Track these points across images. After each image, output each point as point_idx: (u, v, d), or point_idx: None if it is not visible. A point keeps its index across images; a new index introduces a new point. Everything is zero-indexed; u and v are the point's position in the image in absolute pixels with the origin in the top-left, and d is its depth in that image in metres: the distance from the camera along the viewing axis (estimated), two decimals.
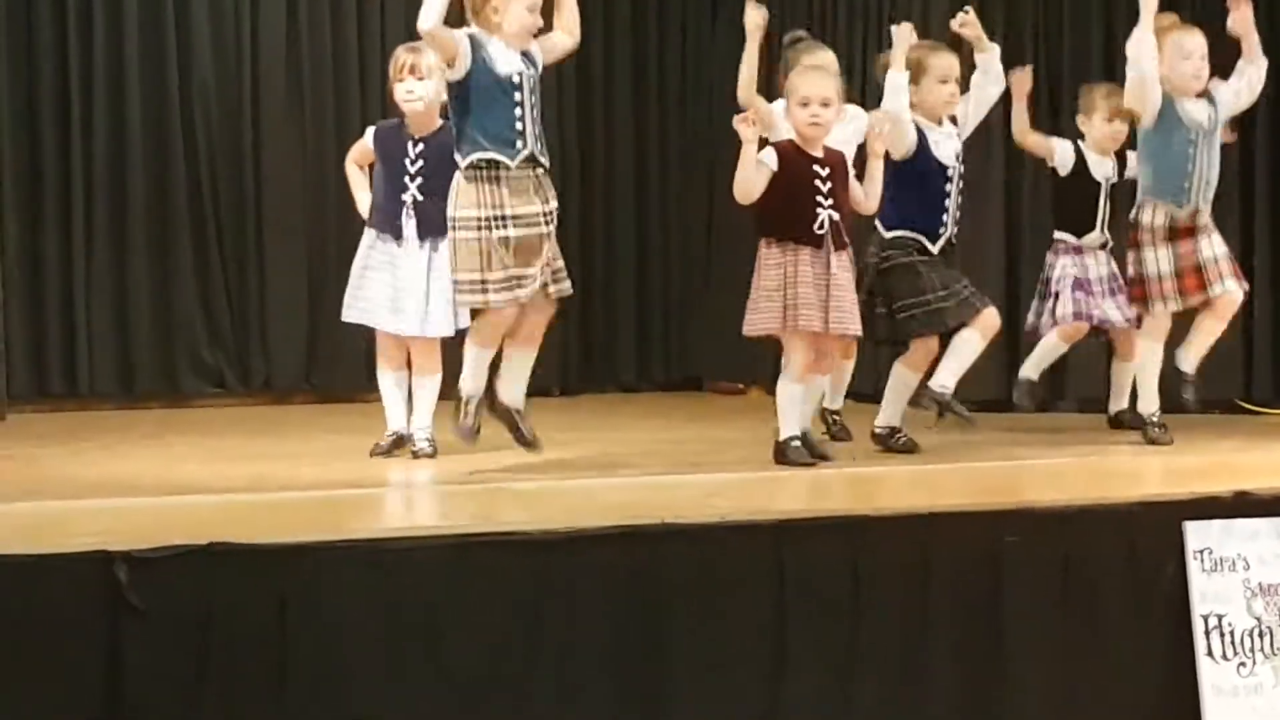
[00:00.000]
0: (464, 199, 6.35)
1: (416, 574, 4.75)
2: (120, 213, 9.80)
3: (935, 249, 7.20)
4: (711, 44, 10.72)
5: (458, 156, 6.38)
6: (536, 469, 6.66)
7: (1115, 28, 8.94)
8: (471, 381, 6.53)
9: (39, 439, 8.04)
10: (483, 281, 6.33)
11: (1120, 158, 7.81)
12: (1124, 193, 7.79)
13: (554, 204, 6.47)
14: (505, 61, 6.35)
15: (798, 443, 6.62)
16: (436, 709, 4.75)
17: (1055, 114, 8.82)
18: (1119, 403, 7.80)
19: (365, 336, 10.16)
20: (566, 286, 6.53)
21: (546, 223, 6.41)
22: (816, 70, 6.86)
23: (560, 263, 6.51)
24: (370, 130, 7.47)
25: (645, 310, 10.85)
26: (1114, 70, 8.71)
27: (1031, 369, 7.92)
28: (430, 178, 7.10)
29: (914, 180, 7.19)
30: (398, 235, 7.25)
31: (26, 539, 4.75)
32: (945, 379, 7.27)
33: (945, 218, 7.23)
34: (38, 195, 9.69)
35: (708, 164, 10.14)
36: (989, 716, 5.33)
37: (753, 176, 6.59)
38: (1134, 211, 7.46)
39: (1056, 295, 7.83)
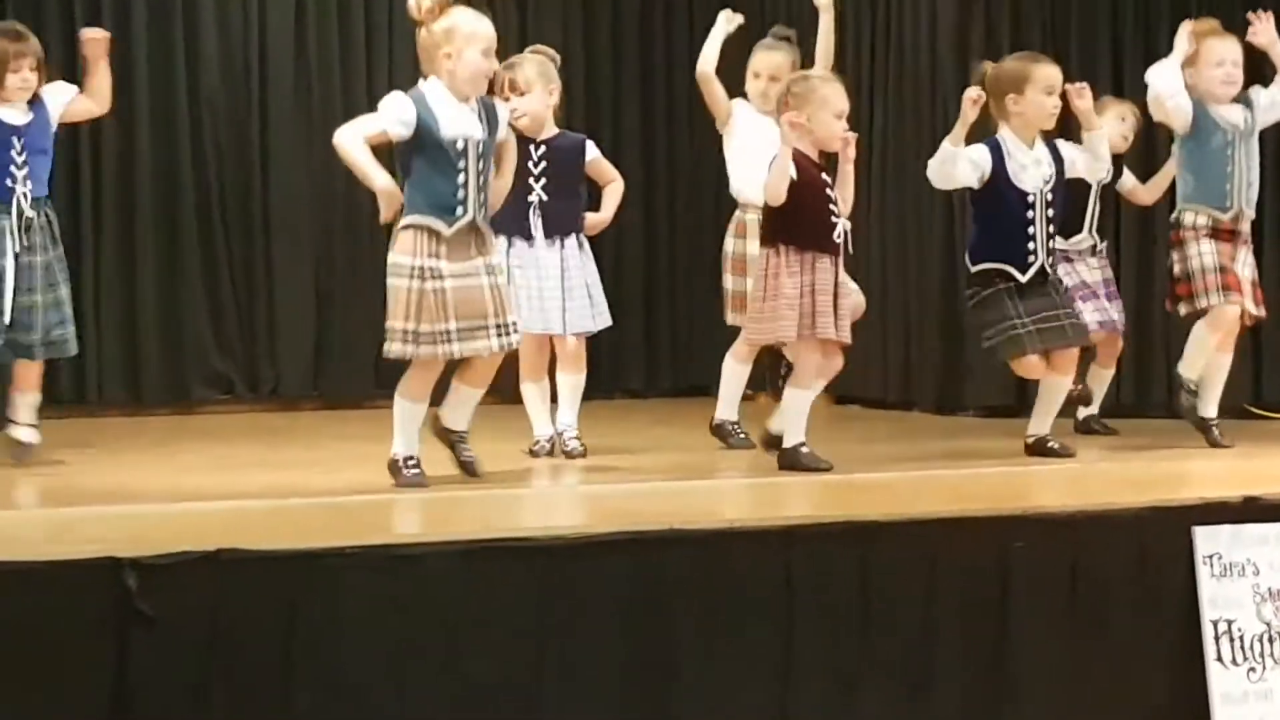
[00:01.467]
0: (400, 246, 6.24)
1: (426, 580, 4.75)
2: (128, 220, 9.81)
3: (1024, 278, 7.02)
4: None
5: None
6: (545, 476, 6.66)
7: (1121, 29, 8.96)
8: (402, 441, 6.32)
9: (48, 446, 8.02)
10: (413, 332, 6.19)
11: (1117, 163, 7.81)
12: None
13: (495, 257, 6.36)
14: (451, 126, 6.20)
15: (807, 448, 6.62)
16: (445, 715, 4.75)
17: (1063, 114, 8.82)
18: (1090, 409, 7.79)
19: (377, 342, 10.19)
20: (515, 340, 6.35)
21: (489, 273, 6.28)
22: (839, 84, 6.79)
23: (512, 317, 6.35)
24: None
25: (653, 317, 10.85)
26: (1121, 71, 8.73)
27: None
28: (553, 178, 7.25)
29: (993, 210, 7.05)
30: (527, 236, 7.25)
31: (36, 546, 4.76)
32: (1039, 427, 7.21)
33: (1033, 245, 7.02)
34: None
35: (716, 170, 10.11)
36: None
37: (786, 178, 6.56)
38: (1174, 214, 7.42)
39: None
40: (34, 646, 4.43)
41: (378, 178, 6.16)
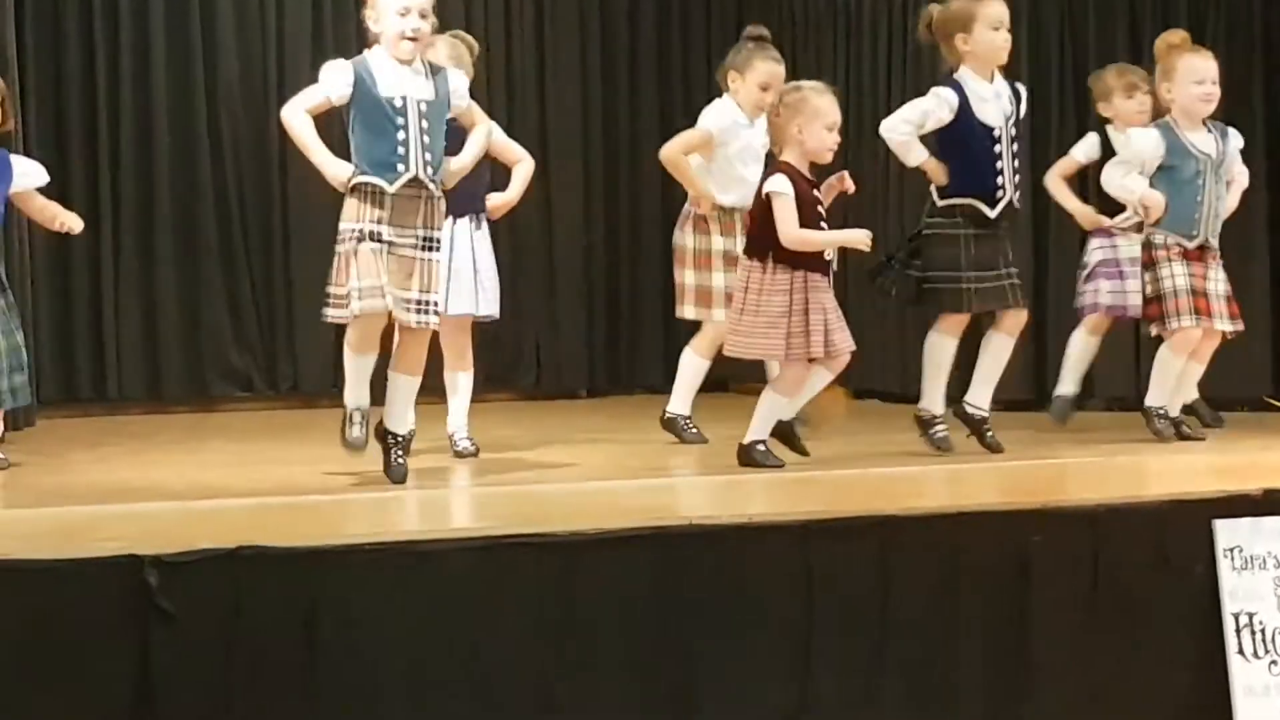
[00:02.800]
0: (346, 212, 6.31)
1: (444, 576, 4.76)
2: (148, 218, 9.83)
3: (994, 212, 7.04)
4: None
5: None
6: (563, 471, 6.66)
7: (1140, 13, 8.94)
8: (353, 392, 6.45)
9: (68, 443, 8.06)
10: (352, 290, 6.24)
11: None
12: None
13: (439, 232, 6.35)
14: (390, 84, 6.25)
15: (763, 446, 6.64)
16: (464, 710, 4.76)
17: (1080, 103, 8.81)
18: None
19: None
20: (430, 320, 6.36)
21: (426, 247, 6.29)
22: (832, 95, 6.76)
23: (432, 296, 6.34)
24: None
25: (670, 313, 10.81)
26: (1140, 57, 8.71)
27: (1070, 384, 7.89)
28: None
29: (959, 145, 7.06)
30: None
31: (56, 543, 4.76)
32: (980, 399, 7.20)
33: (1000, 179, 7.05)
34: (65, 201, 9.68)
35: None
36: (1018, 716, 5.32)
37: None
38: (1144, 235, 7.38)
39: (1089, 279, 7.86)
40: (56, 644, 4.45)
41: (319, 154, 6.31)
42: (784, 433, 6.71)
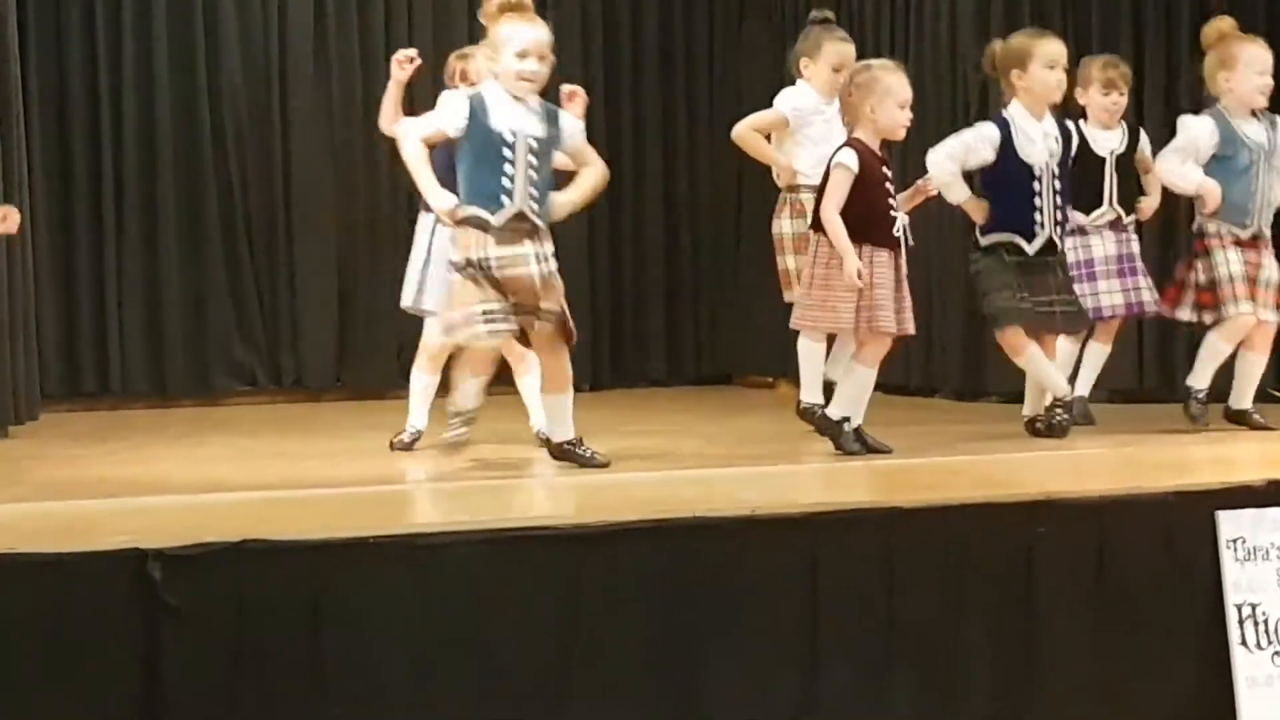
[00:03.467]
0: (458, 243, 6.40)
1: (449, 569, 4.76)
2: (151, 212, 9.85)
3: (1031, 249, 7.09)
4: (739, 40, 10.73)
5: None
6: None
7: (1143, 8, 8.93)
8: (465, 398, 6.72)
9: (72, 438, 8.07)
10: (470, 315, 6.34)
11: (1133, 131, 7.78)
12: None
13: (549, 247, 6.42)
14: (502, 119, 6.36)
15: (849, 428, 6.69)
16: (470, 703, 4.76)
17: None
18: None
19: (399, 332, 10.23)
20: (548, 326, 6.46)
21: (538, 261, 6.38)
22: (903, 73, 6.79)
23: (552, 305, 6.43)
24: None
25: (675, 305, 10.86)
26: (1142, 49, 8.71)
27: (1084, 386, 7.88)
28: None
29: (1000, 184, 7.13)
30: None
31: (60, 538, 4.77)
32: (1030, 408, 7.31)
33: (1038, 217, 7.10)
34: (69, 196, 9.74)
35: (736, 160, 10.13)
36: (1024, 707, 5.33)
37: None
38: (1196, 224, 7.39)
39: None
40: (61, 638, 4.45)
41: (425, 181, 6.39)
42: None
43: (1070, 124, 7.32)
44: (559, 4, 10.53)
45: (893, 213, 6.69)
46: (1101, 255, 7.72)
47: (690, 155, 10.83)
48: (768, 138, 7.73)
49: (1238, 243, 7.28)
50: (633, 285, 10.76)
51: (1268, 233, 7.36)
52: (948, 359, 9.39)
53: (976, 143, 7.10)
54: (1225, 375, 7.48)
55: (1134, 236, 7.84)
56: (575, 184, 6.59)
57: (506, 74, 6.37)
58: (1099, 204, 7.70)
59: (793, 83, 7.73)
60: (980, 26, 9.03)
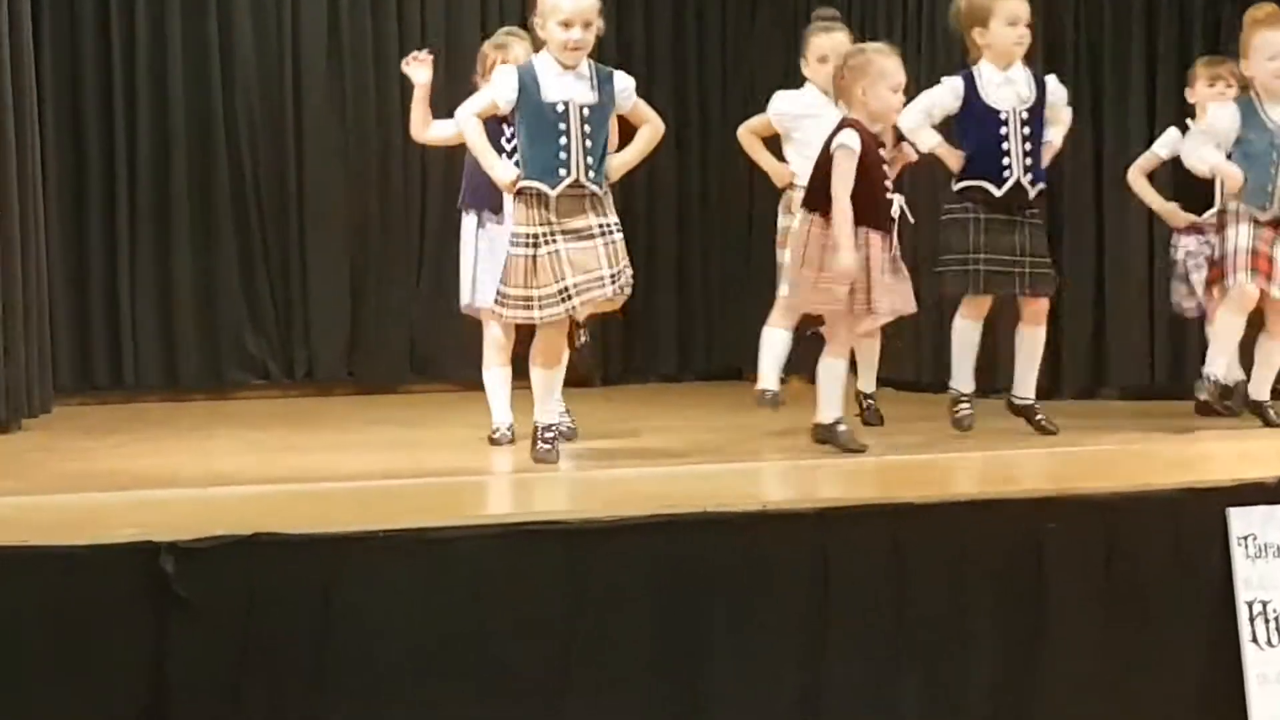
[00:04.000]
0: (516, 215, 6.47)
1: (459, 563, 4.76)
2: (164, 206, 9.86)
3: (1000, 192, 7.12)
4: (751, 36, 10.72)
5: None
6: (578, 458, 6.67)
7: (1156, 4, 8.92)
8: (546, 412, 6.59)
9: (84, 431, 8.09)
10: (528, 299, 6.40)
11: None
12: None
13: (611, 217, 6.50)
14: (553, 90, 6.43)
15: (844, 426, 6.66)
16: (479, 698, 4.77)
17: (1096, 94, 8.81)
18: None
19: (410, 326, 10.25)
20: (623, 289, 6.53)
21: (603, 232, 6.46)
22: (897, 57, 6.80)
23: (617, 269, 6.50)
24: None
25: (685, 300, 10.86)
26: (1154, 46, 8.69)
27: (1220, 366, 7.81)
28: None
29: (968, 129, 7.20)
30: (498, 212, 7.28)
31: (73, 530, 4.78)
32: (1024, 389, 7.31)
33: (1007, 160, 7.14)
34: (82, 190, 9.75)
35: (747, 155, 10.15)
36: (1032, 704, 5.32)
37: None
38: (1218, 205, 7.41)
39: (1185, 278, 7.84)
40: (72, 630, 4.46)
41: (487, 156, 6.50)
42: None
43: (1049, 77, 7.33)
44: None
45: (889, 195, 6.69)
46: (1208, 254, 7.71)
47: (702, 149, 10.82)
48: (771, 140, 7.74)
49: (1254, 221, 7.26)
50: (643, 280, 10.73)
51: None
52: None
53: (941, 95, 7.20)
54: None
55: None
56: (632, 144, 6.66)
57: (553, 43, 6.44)
58: (1213, 203, 7.70)
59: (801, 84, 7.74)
60: None
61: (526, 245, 6.41)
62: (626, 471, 6.39)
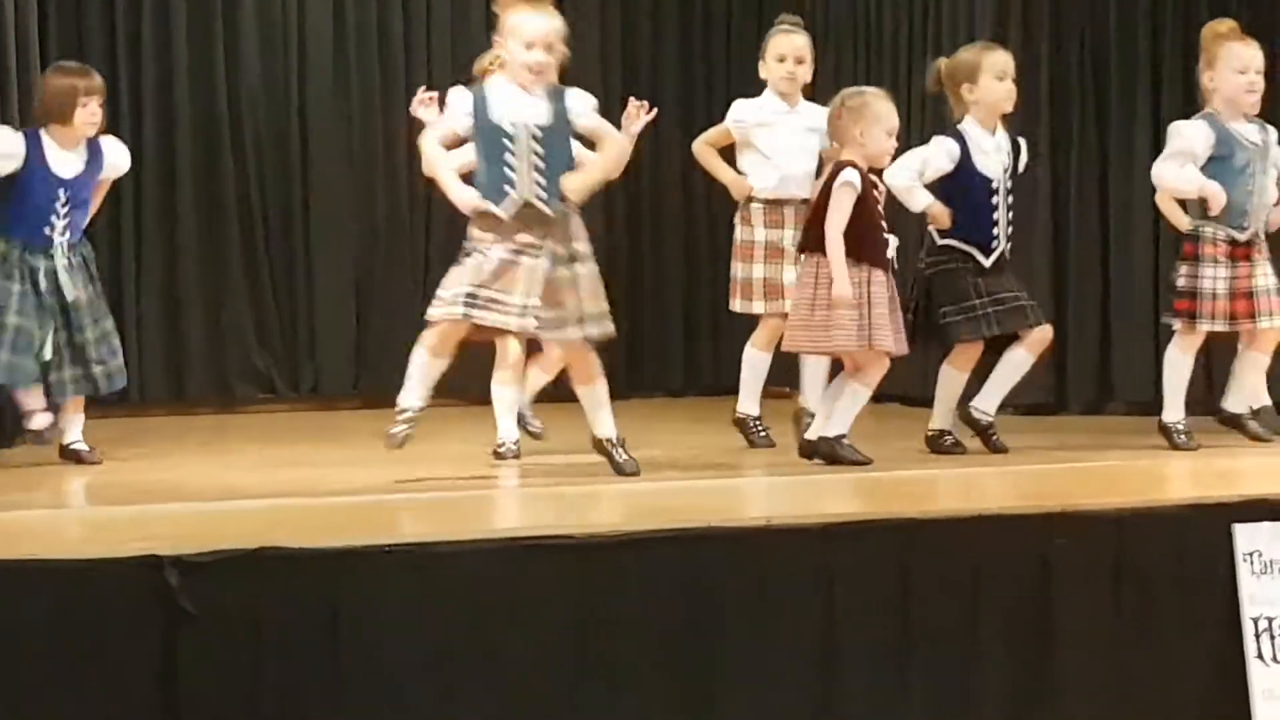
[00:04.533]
0: (470, 233, 6.44)
1: (466, 578, 4.77)
2: (170, 220, 9.87)
3: (988, 263, 7.14)
4: (758, 62, 10.72)
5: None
6: (585, 473, 6.67)
7: (1160, 33, 8.93)
8: (413, 392, 6.58)
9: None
10: (456, 295, 6.36)
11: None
12: None
13: (578, 245, 6.43)
14: (502, 111, 6.39)
15: (848, 440, 6.74)
16: (486, 713, 4.76)
17: (1101, 112, 8.82)
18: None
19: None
20: (593, 331, 6.47)
21: (562, 261, 6.38)
22: (891, 102, 6.86)
23: (589, 308, 6.44)
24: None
25: (692, 315, 10.86)
26: (1160, 75, 8.69)
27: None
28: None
29: (958, 194, 7.14)
30: None
31: (79, 543, 4.79)
32: (988, 403, 7.26)
33: (995, 231, 7.16)
34: None
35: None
36: (1040, 719, 5.32)
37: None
38: (1191, 227, 7.29)
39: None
40: (79, 643, 4.46)
41: (448, 182, 6.48)
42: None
43: (1021, 140, 7.36)
44: (577, 21, 10.53)
45: (885, 234, 6.76)
46: None
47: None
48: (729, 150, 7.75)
49: (1231, 253, 7.21)
50: (651, 295, 10.76)
51: (1263, 236, 7.31)
52: None
53: (935, 155, 7.15)
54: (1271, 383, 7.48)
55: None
56: (589, 163, 6.59)
57: (513, 64, 6.40)
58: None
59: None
60: (999, 39, 9.02)
61: (474, 254, 6.36)
62: (633, 486, 6.39)
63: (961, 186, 7.14)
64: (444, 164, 6.51)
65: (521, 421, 7.41)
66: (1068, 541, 5.34)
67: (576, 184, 6.48)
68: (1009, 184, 7.22)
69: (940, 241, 7.18)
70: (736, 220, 7.72)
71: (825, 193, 6.72)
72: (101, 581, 4.50)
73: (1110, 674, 5.38)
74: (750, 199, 7.60)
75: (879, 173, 6.89)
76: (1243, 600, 5.49)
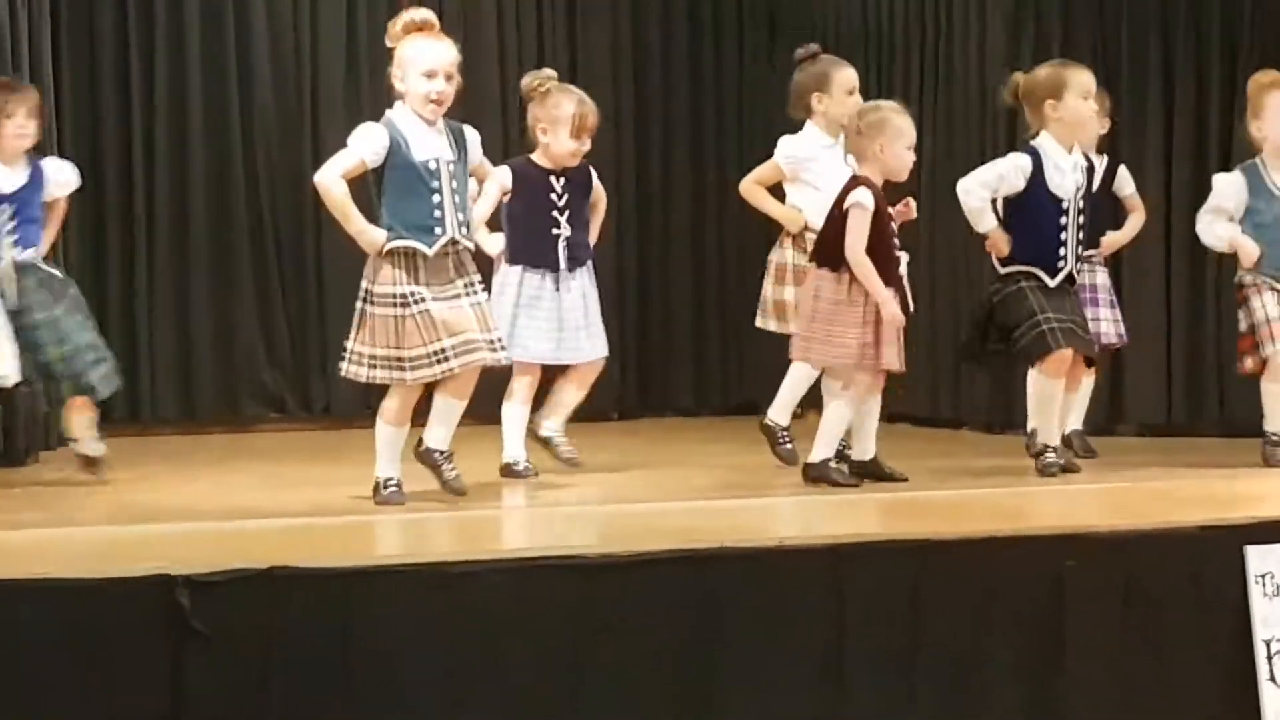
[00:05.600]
0: (381, 275, 6.33)
1: (477, 597, 4.77)
2: (181, 239, 9.88)
3: (1053, 283, 7.02)
4: (770, 76, 10.73)
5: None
6: (596, 493, 6.67)
7: (1172, 51, 8.93)
8: (388, 466, 6.40)
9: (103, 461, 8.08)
10: (394, 359, 6.27)
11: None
12: None
13: (474, 276, 6.39)
14: (422, 147, 6.32)
15: (835, 463, 6.75)
16: None
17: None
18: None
19: None
20: (503, 357, 6.46)
21: (469, 293, 6.34)
22: (909, 116, 6.85)
23: (498, 334, 6.41)
24: (506, 169, 7.33)
25: (702, 335, 10.85)
26: (1172, 92, 8.69)
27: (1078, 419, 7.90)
28: (575, 211, 7.30)
29: (1027, 213, 7.04)
30: (555, 268, 7.28)
31: (90, 563, 4.78)
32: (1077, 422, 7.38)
33: (1063, 251, 7.04)
34: (100, 222, 9.77)
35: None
36: None
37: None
38: (1237, 276, 7.36)
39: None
40: (89, 663, 4.47)
41: (356, 221, 6.35)
42: (871, 470, 6.81)
43: (1094, 157, 7.31)
44: (586, 36, 10.56)
45: (896, 252, 6.76)
46: (1090, 284, 7.75)
47: (719, 187, 10.81)
48: (776, 188, 7.73)
49: (1273, 288, 7.26)
50: (660, 315, 10.76)
51: None
52: (975, 391, 9.37)
53: (1010, 172, 7.05)
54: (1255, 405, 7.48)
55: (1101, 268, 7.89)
56: (482, 198, 6.73)
57: (414, 96, 6.31)
58: (1097, 243, 7.79)
59: (799, 125, 7.69)
60: (1010, 57, 9.04)
61: (394, 305, 6.25)
62: (644, 506, 6.40)
63: (1032, 205, 7.02)
64: (349, 202, 6.37)
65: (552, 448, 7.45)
66: (1079, 563, 5.33)
67: (478, 218, 6.62)
68: (1080, 204, 7.08)
69: (1003, 269, 7.09)
70: (785, 245, 7.66)
71: (839, 210, 6.72)
72: (112, 601, 4.50)
73: (1121, 696, 5.37)
74: (806, 229, 7.58)
75: (893, 186, 6.84)
76: (1255, 623, 5.48)
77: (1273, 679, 5.49)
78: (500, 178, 7.05)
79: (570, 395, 7.45)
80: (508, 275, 7.36)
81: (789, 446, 7.50)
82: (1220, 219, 7.32)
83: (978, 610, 5.24)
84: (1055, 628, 5.30)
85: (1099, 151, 7.87)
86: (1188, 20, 8.90)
